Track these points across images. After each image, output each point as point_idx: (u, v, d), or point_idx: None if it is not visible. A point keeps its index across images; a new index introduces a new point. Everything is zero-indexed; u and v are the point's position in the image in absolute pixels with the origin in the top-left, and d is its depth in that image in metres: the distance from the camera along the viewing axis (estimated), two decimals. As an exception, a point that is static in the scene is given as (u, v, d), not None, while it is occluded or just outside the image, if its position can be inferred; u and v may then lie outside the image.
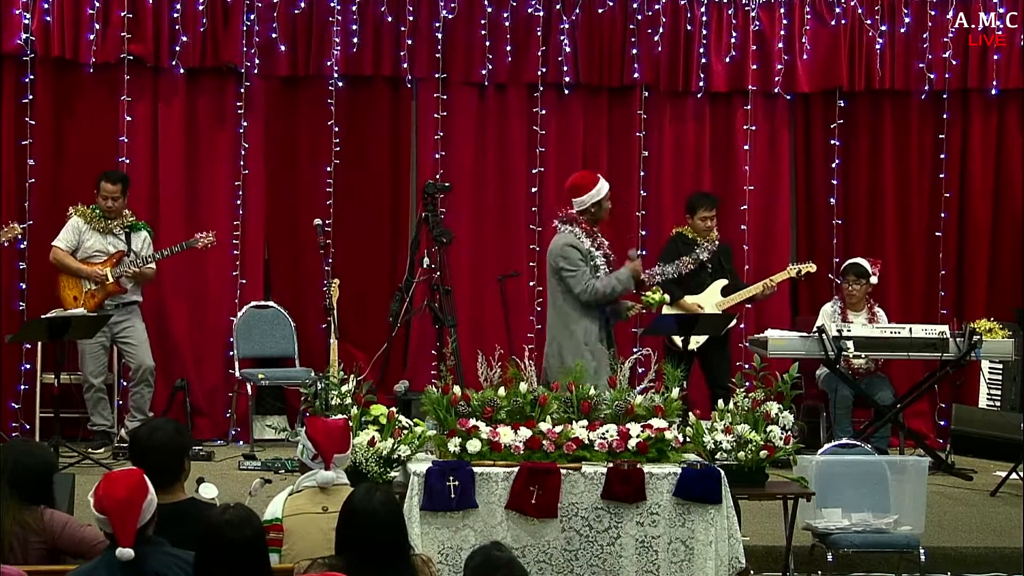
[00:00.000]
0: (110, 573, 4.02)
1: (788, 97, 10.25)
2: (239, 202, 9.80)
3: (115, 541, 4.02)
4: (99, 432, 9.10)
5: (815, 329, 8.88)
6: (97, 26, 9.48)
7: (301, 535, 4.66)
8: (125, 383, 9.24)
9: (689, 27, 10.08)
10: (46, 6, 9.41)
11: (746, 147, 10.21)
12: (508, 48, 9.95)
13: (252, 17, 9.67)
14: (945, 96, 10.24)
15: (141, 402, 9.04)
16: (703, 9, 10.08)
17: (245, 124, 9.77)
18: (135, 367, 9.03)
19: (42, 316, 8.55)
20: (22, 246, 9.38)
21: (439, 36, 9.89)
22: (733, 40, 10.12)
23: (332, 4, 9.78)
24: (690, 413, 6.40)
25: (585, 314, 7.26)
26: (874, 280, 9.45)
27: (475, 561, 3.93)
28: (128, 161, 9.59)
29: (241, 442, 9.53)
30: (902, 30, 10.18)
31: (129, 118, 9.63)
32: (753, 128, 10.20)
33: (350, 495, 4.25)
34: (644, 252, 7.46)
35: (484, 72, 9.97)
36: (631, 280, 7.35)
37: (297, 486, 4.90)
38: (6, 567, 4.10)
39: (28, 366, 9.40)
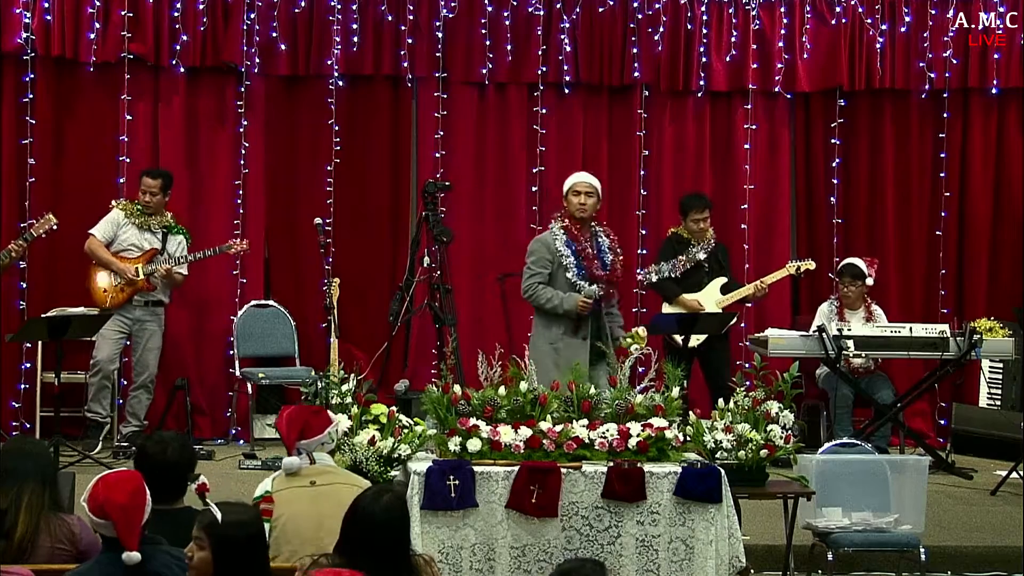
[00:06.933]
0: (110, 574, 4.02)
1: (788, 96, 10.25)
2: (239, 201, 9.81)
3: (115, 544, 4.02)
4: (93, 424, 9.01)
5: (815, 328, 8.87)
6: (97, 25, 9.49)
7: (289, 502, 4.82)
8: (126, 382, 9.24)
9: (689, 26, 10.08)
10: (46, 5, 9.40)
11: (746, 146, 10.20)
12: (508, 47, 9.95)
13: (252, 16, 9.67)
14: (945, 96, 10.23)
15: (138, 407, 9.02)
16: (703, 8, 10.08)
17: (245, 123, 9.77)
18: (139, 370, 9.02)
19: (42, 315, 8.54)
20: (22, 245, 9.38)
21: (439, 35, 9.89)
22: (733, 39, 10.12)
23: (332, 3, 9.78)
24: (690, 412, 6.41)
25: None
26: (870, 281, 9.45)
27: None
28: (128, 160, 9.59)
29: (242, 441, 9.54)
30: (902, 29, 10.18)
31: (129, 117, 9.63)
32: (753, 127, 10.20)
33: (358, 496, 4.24)
34: (599, 291, 7.56)
35: (484, 71, 9.97)
36: (573, 311, 7.50)
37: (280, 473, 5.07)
38: (11, 566, 4.10)
39: (28, 365, 9.40)
